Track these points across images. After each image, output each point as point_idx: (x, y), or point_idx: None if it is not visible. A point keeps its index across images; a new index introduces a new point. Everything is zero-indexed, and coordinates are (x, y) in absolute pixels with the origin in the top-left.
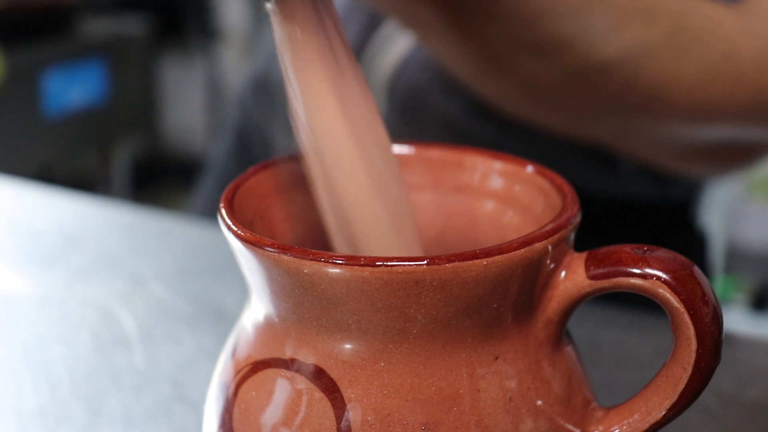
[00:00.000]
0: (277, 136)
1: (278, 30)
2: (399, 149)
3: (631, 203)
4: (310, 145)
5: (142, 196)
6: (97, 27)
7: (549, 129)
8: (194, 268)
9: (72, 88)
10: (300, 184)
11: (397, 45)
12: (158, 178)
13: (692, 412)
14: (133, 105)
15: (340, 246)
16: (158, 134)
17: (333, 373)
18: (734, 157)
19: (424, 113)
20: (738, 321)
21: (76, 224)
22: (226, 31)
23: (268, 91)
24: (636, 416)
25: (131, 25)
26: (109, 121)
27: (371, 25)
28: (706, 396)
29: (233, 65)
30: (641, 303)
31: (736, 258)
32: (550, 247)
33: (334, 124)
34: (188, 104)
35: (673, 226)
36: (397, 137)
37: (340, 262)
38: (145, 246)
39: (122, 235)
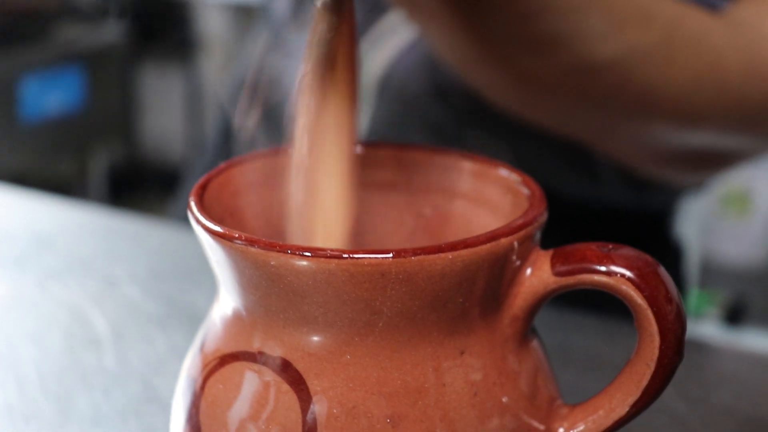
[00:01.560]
0: (272, 129)
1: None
2: (370, 148)
3: (610, 211)
4: (301, 131)
5: (119, 204)
6: (76, 33)
7: (535, 124)
8: (167, 270)
9: (49, 95)
10: (270, 181)
11: (389, 44)
12: (136, 187)
13: (660, 416)
14: (111, 113)
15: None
16: (136, 142)
17: (299, 366)
18: (710, 163)
19: (412, 115)
20: (712, 335)
21: (49, 226)
22: (205, 39)
23: (257, 89)
24: (600, 413)
25: (110, 32)
26: (86, 129)
27: (365, 21)
28: (674, 400)
29: (212, 74)
30: (611, 309)
31: (710, 272)
32: (515, 243)
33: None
34: (167, 112)
35: (650, 237)
36: (383, 137)
37: (307, 254)
38: (118, 248)
39: (96, 238)
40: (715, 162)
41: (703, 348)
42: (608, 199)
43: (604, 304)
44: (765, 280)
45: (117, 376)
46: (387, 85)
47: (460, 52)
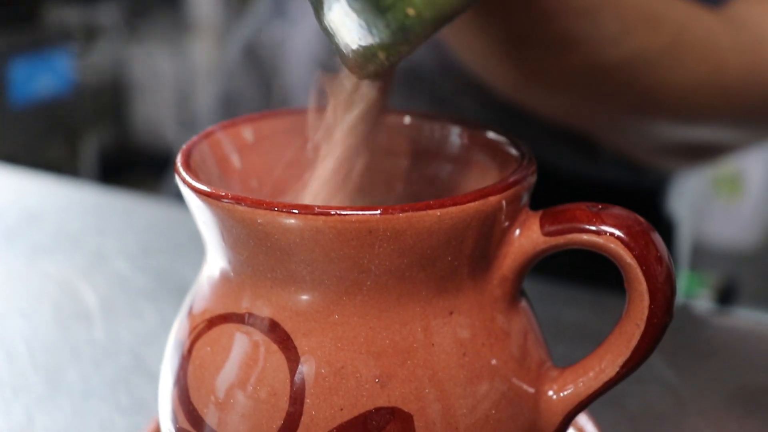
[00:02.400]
0: (265, 100)
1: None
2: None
3: (606, 187)
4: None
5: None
6: (66, 15)
7: (541, 115)
8: (158, 245)
9: (39, 78)
10: (259, 145)
11: None
12: (127, 170)
13: (651, 385)
14: (102, 95)
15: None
16: (127, 125)
17: (287, 326)
18: (708, 154)
19: (415, 86)
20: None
21: (38, 202)
22: (197, 21)
23: (258, 55)
24: (590, 374)
25: (100, 14)
26: (77, 112)
27: None
28: (665, 370)
29: (204, 57)
30: (603, 283)
31: (701, 254)
32: (504, 203)
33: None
34: (158, 95)
35: (644, 212)
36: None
37: (294, 211)
38: (109, 224)
39: (86, 214)
40: (713, 153)
41: (693, 319)
42: (606, 176)
43: (595, 277)
44: (756, 261)
45: (106, 348)
46: None
47: (474, 49)
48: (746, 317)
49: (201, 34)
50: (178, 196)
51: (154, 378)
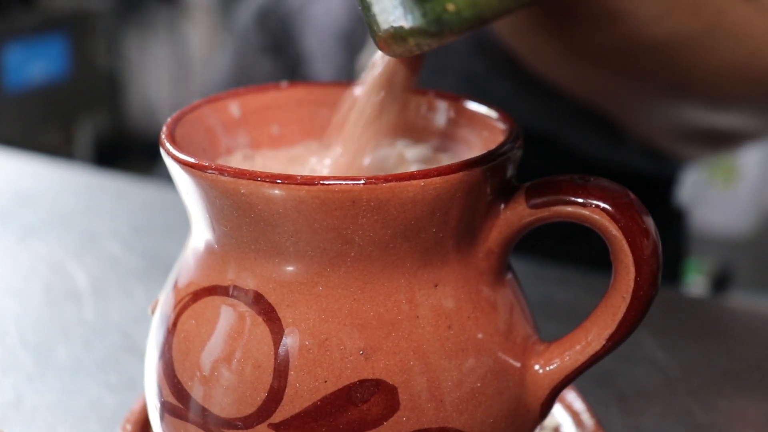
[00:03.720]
0: (279, 64)
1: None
2: (345, 87)
3: (624, 174)
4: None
5: None
6: (60, 1)
7: (573, 95)
8: (149, 225)
9: (33, 63)
10: (245, 120)
11: None
12: (122, 156)
13: (641, 365)
14: (97, 80)
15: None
16: (122, 111)
17: (271, 298)
18: (731, 142)
19: (444, 64)
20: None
21: (30, 183)
22: (192, 6)
23: (273, 21)
24: (577, 348)
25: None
26: (71, 97)
27: None
28: (655, 350)
29: (200, 41)
30: (594, 265)
31: (697, 241)
32: (488, 174)
33: None
34: (153, 81)
35: (658, 201)
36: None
37: (278, 181)
38: (99, 205)
39: (77, 194)
40: (735, 141)
41: (683, 300)
42: (627, 162)
43: (585, 259)
44: (751, 248)
45: (96, 327)
46: None
47: (514, 23)
48: (736, 298)
49: (196, 19)
50: (170, 179)
51: (143, 357)
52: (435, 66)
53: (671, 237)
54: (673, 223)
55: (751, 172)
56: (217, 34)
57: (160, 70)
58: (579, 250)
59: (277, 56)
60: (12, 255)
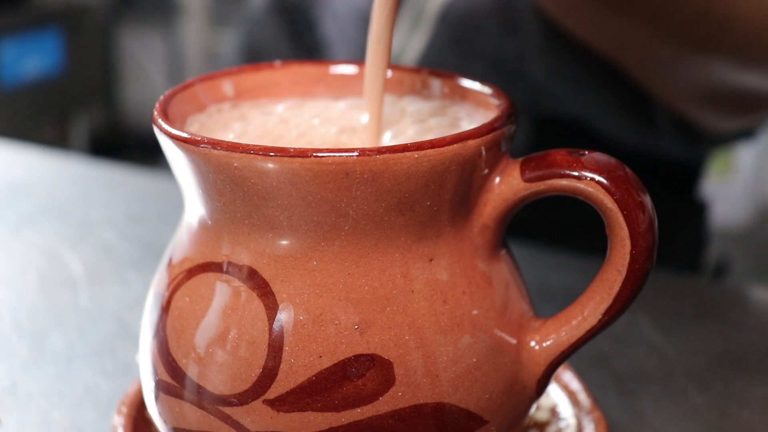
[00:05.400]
0: (298, 50)
1: None
2: (344, 68)
3: (655, 163)
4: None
5: None
6: None
7: (603, 52)
8: (144, 214)
9: (27, 58)
10: (237, 99)
11: None
12: (117, 151)
13: (638, 347)
14: (91, 76)
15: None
16: (117, 107)
17: (265, 273)
18: (755, 107)
19: (472, 46)
20: None
21: (24, 173)
22: (186, 3)
23: (290, 7)
24: (573, 323)
25: None
26: (66, 93)
27: None
28: (652, 332)
29: (194, 37)
30: (591, 249)
31: None
32: (483, 148)
33: None
34: (148, 76)
35: (686, 193)
36: (436, 66)
37: (271, 154)
38: (95, 194)
39: (72, 184)
40: (760, 107)
41: (679, 283)
42: (658, 149)
43: (581, 244)
44: (748, 239)
45: (92, 315)
46: (450, 12)
47: None
48: (733, 281)
49: (191, 14)
50: (168, 167)
51: (138, 344)
52: (463, 51)
53: (694, 228)
54: (696, 215)
55: (747, 163)
56: (211, 29)
57: (155, 65)
58: (577, 236)
59: (295, 42)
60: (7, 244)
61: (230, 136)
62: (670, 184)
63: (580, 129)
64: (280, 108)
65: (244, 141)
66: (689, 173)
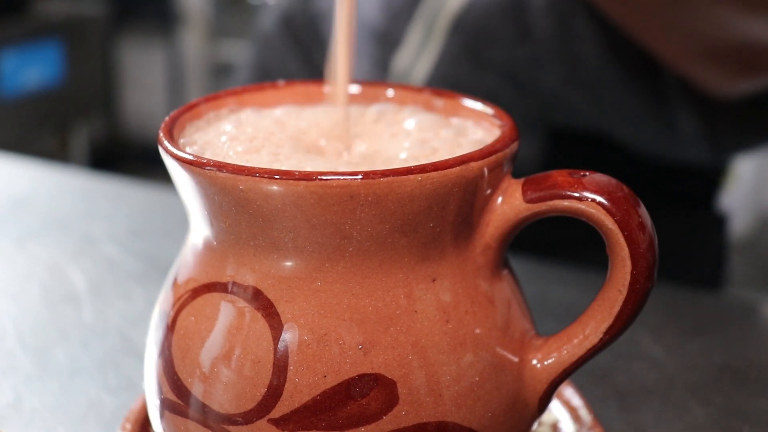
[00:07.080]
0: (308, 68)
1: None
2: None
3: (674, 172)
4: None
5: None
6: (54, 7)
7: (603, 6)
8: (146, 228)
9: (28, 69)
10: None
11: None
12: (117, 161)
13: (639, 361)
14: (91, 87)
15: None
16: (117, 117)
17: (270, 294)
18: (763, 66)
19: (486, 57)
20: None
21: (27, 188)
22: (186, 13)
23: (300, 25)
24: (574, 341)
25: (89, 6)
26: (66, 103)
27: None
28: (652, 346)
29: (194, 48)
30: (590, 263)
31: None
32: (485, 169)
33: None
34: (148, 87)
35: (704, 205)
36: (448, 78)
37: (276, 177)
38: (97, 208)
39: (75, 198)
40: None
41: (680, 297)
42: (677, 155)
43: (581, 258)
44: (746, 248)
45: (95, 329)
46: (462, 22)
47: None
48: (733, 295)
49: (191, 25)
50: (169, 180)
51: (142, 358)
52: (475, 62)
53: (714, 241)
54: (716, 227)
55: (746, 172)
56: (211, 40)
57: (155, 77)
58: (576, 250)
59: (305, 61)
60: (10, 258)
61: (222, 139)
62: (689, 195)
63: (596, 141)
64: (277, 112)
65: (235, 143)
66: (709, 183)
